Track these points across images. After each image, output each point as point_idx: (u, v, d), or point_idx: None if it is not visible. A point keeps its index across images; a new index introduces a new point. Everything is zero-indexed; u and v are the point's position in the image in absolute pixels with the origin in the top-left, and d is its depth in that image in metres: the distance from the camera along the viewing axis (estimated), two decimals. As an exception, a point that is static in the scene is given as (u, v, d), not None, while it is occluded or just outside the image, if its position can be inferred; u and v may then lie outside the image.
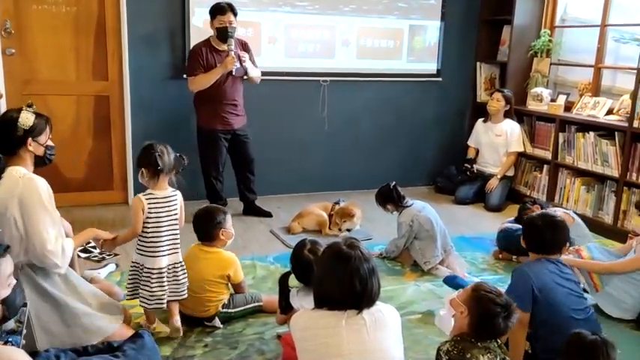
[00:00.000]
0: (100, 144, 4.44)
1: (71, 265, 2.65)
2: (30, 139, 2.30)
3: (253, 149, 4.37)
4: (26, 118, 2.28)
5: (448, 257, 3.54)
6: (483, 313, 1.96)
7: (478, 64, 5.52)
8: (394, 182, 3.63)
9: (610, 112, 4.48)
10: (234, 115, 4.21)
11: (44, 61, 4.17)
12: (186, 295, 2.63)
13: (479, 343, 1.96)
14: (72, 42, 4.21)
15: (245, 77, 4.20)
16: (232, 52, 3.97)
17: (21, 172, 2.26)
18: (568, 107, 4.85)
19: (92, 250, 3.56)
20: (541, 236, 2.46)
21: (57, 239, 2.25)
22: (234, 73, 4.09)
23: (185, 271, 2.64)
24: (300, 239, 2.56)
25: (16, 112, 2.31)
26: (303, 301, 2.31)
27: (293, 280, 2.49)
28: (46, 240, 2.20)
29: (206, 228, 2.76)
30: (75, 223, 2.84)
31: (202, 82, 4.04)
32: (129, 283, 2.64)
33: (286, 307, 2.45)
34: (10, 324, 1.71)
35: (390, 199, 3.61)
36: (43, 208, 2.22)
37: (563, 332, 2.34)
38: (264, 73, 4.34)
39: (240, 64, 4.06)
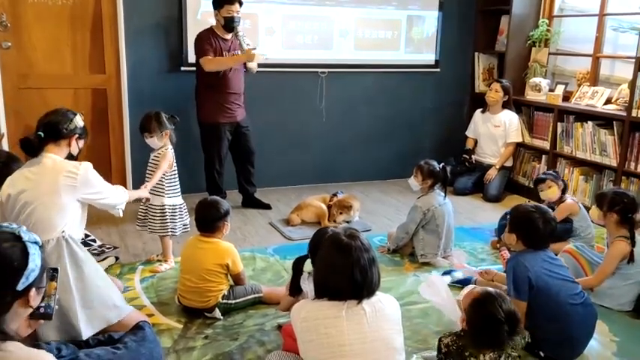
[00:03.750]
0: (98, 138, 4.41)
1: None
2: (77, 136, 2.57)
3: (254, 141, 4.36)
4: (80, 120, 2.61)
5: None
6: (482, 326, 1.94)
7: (476, 54, 5.50)
8: (443, 163, 3.54)
9: (608, 101, 4.48)
10: (237, 107, 4.18)
11: (41, 54, 4.14)
12: None
13: None
14: (68, 35, 4.18)
15: (245, 69, 4.18)
16: (243, 42, 3.94)
17: (68, 161, 2.51)
18: (566, 97, 4.85)
19: (92, 243, 3.56)
20: (537, 232, 2.45)
21: (117, 193, 2.65)
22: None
23: None
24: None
25: (72, 112, 2.59)
26: (311, 286, 2.30)
27: (307, 266, 2.46)
28: (116, 204, 2.66)
29: (211, 219, 2.77)
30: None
31: (220, 63, 3.97)
32: (172, 225, 3.21)
33: (296, 290, 2.43)
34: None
35: (434, 175, 3.49)
36: (104, 183, 2.56)
37: (561, 319, 2.35)
38: (261, 65, 4.31)
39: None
